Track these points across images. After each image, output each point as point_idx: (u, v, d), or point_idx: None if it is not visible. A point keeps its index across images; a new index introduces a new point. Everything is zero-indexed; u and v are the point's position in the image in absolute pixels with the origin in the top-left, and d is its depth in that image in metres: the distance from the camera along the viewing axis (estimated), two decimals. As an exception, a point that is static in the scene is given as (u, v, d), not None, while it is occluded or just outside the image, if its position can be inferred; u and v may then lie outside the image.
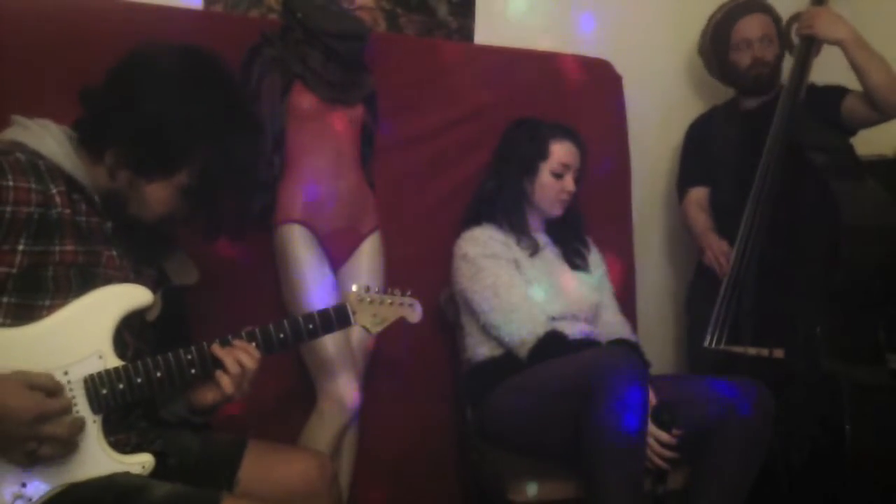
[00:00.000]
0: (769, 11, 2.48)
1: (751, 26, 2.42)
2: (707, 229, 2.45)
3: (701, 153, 2.56)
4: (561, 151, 2.11)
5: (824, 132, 2.27)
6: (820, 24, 2.15)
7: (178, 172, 1.30)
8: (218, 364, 1.31)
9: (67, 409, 1.18)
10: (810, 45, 2.20)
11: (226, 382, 1.31)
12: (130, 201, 1.31)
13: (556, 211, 2.15)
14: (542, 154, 2.11)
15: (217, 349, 1.31)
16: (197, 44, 1.35)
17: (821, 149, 2.20)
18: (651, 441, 1.74)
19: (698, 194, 2.54)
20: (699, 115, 2.65)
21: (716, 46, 2.53)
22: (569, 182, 2.12)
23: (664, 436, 1.76)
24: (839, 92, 2.28)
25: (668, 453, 1.76)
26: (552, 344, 1.90)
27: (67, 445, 1.18)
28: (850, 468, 1.99)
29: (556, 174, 2.11)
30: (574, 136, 2.15)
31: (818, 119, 2.27)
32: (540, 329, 1.92)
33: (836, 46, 2.16)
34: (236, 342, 1.33)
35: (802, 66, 2.20)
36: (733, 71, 2.48)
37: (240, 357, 1.32)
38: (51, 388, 1.17)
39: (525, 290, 1.98)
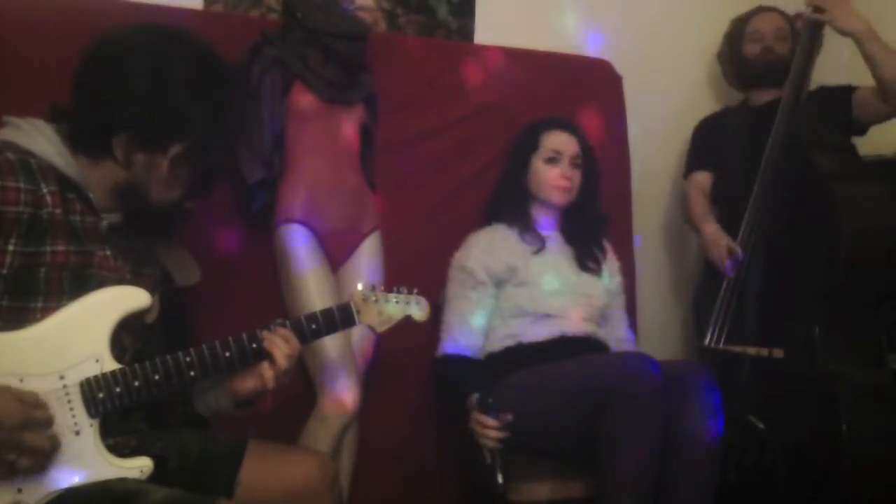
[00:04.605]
0: (787, 16, 2.51)
1: (765, 21, 2.49)
2: (704, 214, 2.43)
3: (709, 143, 2.55)
4: (550, 140, 2.13)
5: (827, 132, 2.26)
6: (836, 13, 2.09)
7: (187, 138, 1.30)
8: (258, 357, 1.35)
9: (50, 422, 1.18)
10: (817, 34, 2.17)
11: (269, 375, 1.36)
12: (152, 185, 1.32)
13: (556, 199, 2.14)
14: (533, 147, 2.14)
15: (268, 341, 1.35)
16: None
17: (823, 148, 2.20)
18: (479, 427, 1.76)
19: (702, 178, 2.53)
20: (709, 113, 2.64)
21: (731, 42, 2.57)
22: (565, 168, 2.12)
23: (490, 420, 1.75)
24: (848, 89, 2.28)
25: (495, 434, 1.75)
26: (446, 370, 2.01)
27: (46, 460, 1.17)
28: (848, 469, 1.99)
29: (547, 160, 2.12)
30: (567, 125, 2.17)
31: (829, 119, 2.26)
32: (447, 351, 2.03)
33: (850, 38, 2.10)
34: (279, 330, 1.37)
35: (808, 57, 2.18)
36: (745, 63, 2.50)
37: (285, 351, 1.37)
38: (35, 402, 1.16)
39: (471, 314, 2.02)
